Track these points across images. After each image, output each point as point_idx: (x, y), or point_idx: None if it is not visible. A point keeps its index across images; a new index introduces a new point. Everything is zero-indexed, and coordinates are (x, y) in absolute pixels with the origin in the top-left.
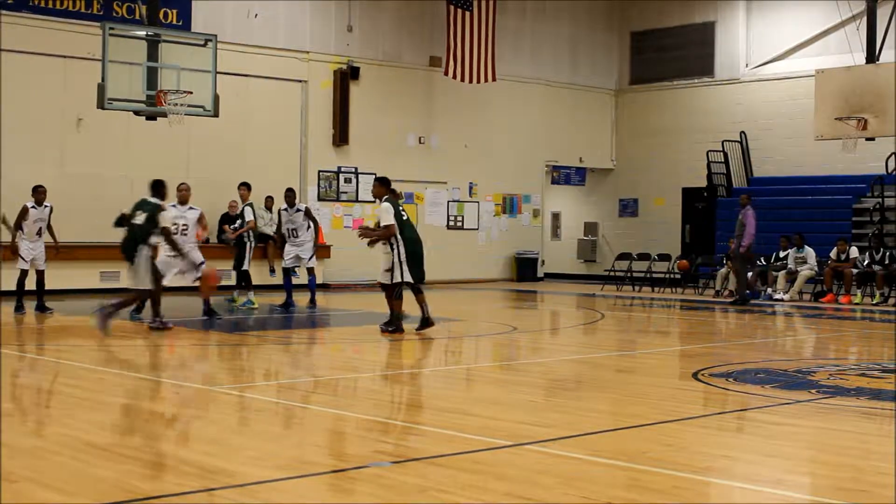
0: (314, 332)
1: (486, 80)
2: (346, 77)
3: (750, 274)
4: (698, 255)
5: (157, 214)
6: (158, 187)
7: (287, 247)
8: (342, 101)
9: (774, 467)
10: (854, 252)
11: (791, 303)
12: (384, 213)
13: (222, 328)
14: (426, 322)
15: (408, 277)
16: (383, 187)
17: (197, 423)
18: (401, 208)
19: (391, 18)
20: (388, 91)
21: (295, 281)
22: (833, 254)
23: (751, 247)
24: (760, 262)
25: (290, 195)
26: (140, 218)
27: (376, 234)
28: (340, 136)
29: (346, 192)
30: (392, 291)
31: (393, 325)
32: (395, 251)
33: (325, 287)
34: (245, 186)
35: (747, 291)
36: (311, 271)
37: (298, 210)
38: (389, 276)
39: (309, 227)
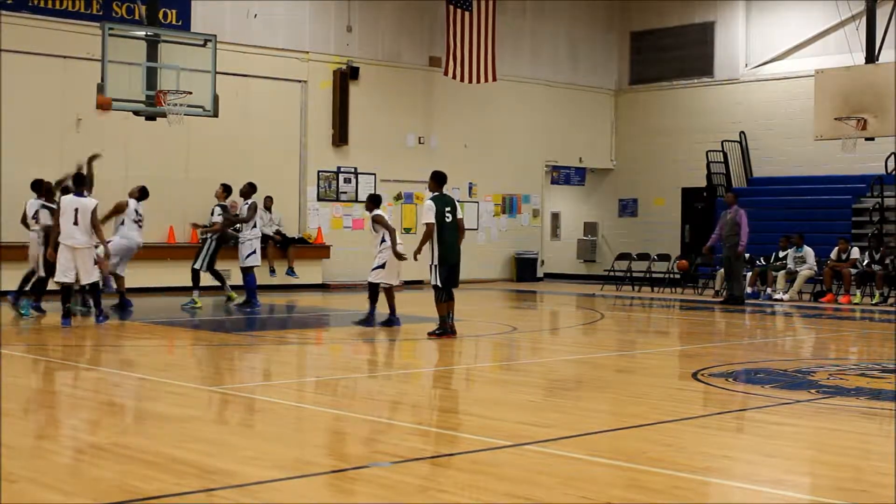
0: (313, 333)
1: (485, 80)
2: (345, 77)
3: (749, 274)
4: (698, 255)
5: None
6: None
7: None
8: (342, 102)
9: (774, 467)
10: (855, 252)
11: (790, 303)
12: (424, 211)
13: (221, 328)
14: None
15: (438, 282)
16: (433, 182)
17: (196, 423)
18: (448, 208)
19: (391, 18)
20: (388, 91)
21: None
22: (834, 254)
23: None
24: (760, 262)
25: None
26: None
27: (420, 243)
28: (340, 136)
29: (345, 193)
30: (435, 295)
31: (439, 329)
32: (432, 253)
33: (325, 287)
34: (222, 187)
35: (748, 290)
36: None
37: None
38: (431, 277)
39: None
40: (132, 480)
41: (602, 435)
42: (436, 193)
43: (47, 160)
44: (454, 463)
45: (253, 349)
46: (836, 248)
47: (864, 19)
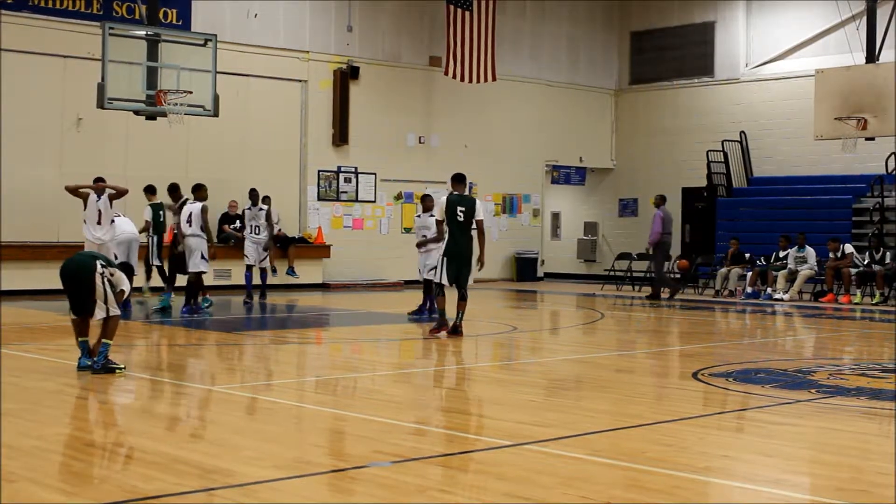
0: (314, 332)
1: (485, 80)
2: (345, 77)
3: (750, 274)
4: (698, 254)
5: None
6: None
7: (247, 244)
8: (342, 101)
9: (774, 467)
10: (849, 248)
11: (791, 302)
12: (437, 208)
13: (220, 328)
14: (454, 329)
15: (443, 279)
16: (452, 181)
17: (197, 423)
18: (461, 208)
19: (391, 18)
20: (388, 91)
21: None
22: (831, 253)
23: (661, 244)
24: (760, 261)
25: (253, 194)
26: None
27: (430, 240)
28: (340, 135)
29: (345, 192)
30: (434, 289)
31: (436, 325)
32: (439, 250)
33: (326, 287)
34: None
35: (748, 290)
36: (263, 271)
37: (261, 209)
38: (433, 273)
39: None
40: (132, 480)
41: (602, 435)
42: (455, 192)
43: (47, 160)
44: (454, 463)
45: (253, 349)
46: (829, 248)
47: (864, 19)
